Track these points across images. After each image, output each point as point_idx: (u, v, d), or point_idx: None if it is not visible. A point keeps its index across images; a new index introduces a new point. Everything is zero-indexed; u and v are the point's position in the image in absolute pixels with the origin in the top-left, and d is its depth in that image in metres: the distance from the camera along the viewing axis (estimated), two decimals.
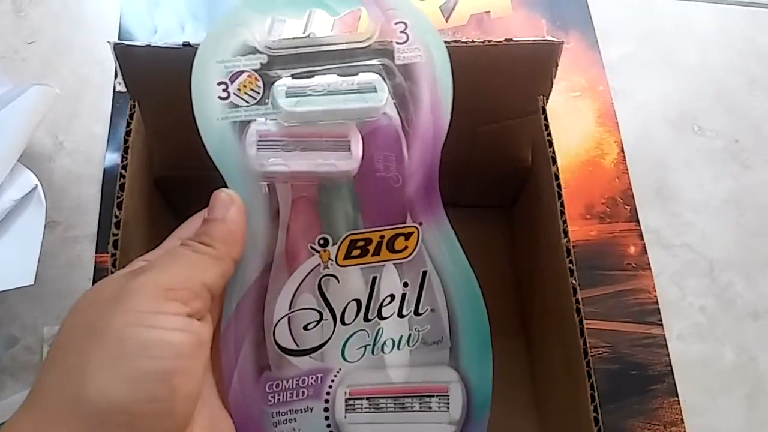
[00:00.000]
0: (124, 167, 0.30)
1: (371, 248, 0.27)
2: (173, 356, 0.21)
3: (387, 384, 0.28)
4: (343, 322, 0.27)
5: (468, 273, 0.28)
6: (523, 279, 0.44)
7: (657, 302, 0.46)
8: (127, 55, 0.31)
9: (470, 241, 0.46)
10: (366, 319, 0.28)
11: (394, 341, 0.28)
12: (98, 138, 0.50)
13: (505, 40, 0.33)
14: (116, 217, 0.29)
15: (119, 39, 0.53)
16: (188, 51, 0.30)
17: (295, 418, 0.27)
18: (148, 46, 0.31)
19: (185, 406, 0.22)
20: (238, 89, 0.26)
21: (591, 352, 0.30)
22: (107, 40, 0.31)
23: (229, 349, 0.26)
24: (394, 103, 0.28)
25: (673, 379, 0.44)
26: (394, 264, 0.28)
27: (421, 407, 0.28)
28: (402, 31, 0.28)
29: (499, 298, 0.44)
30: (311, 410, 0.27)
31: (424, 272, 0.28)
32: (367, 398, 0.27)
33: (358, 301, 0.28)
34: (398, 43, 0.28)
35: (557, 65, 0.34)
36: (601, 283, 0.46)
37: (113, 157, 0.49)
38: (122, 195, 0.30)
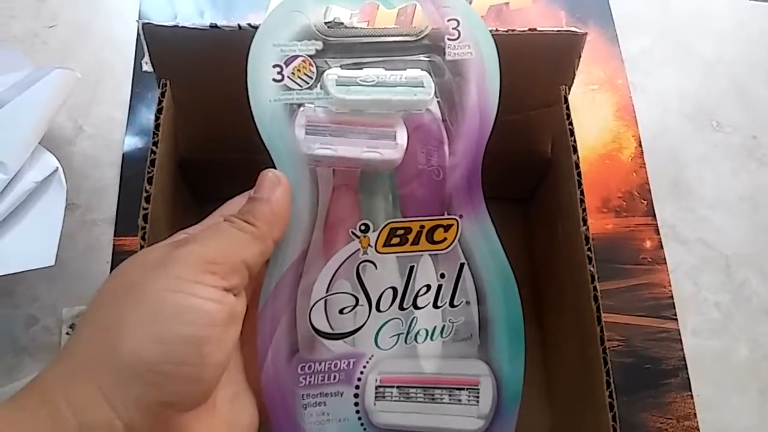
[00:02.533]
0: (155, 143, 0.31)
1: (411, 237, 0.27)
2: (206, 324, 0.22)
3: (418, 374, 0.28)
4: (378, 309, 0.28)
5: (506, 268, 0.28)
6: (538, 270, 0.44)
7: (672, 297, 0.46)
8: (155, 36, 0.31)
9: None
10: (401, 307, 0.28)
11: (427, 331, 0.28)
12: (117, 122, 0.50)
13: (529, 29, 0.33)
14: (146, 191, 0.30)
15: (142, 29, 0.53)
16: (215, 32, 0.31)
17: (324, 402, 0.27)
18: (176, 26, 0.31)
19: (212, 375, 0.22)
20: (292, 73, 0.27)
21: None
22: (135, 19, 0.31)
23: (265, 327, 0.27)
24: (438, 102, 0.28)
25: (687, 373, 0.44)
26: (431, 255, 0.28)
27: (450, 399, 0.28)
28: (454, 28, 0.28)
29: None
30: (341, 395, 0.27)
31: (462, 265, 0.28)
32: (398, 387, 0.28)
33: (395, 289, 0.28)
34: (450, 39, 0.28)
35: (580, 56, 0.34)
36: (616, 277, 0.46)
37: (132, 142, 0.49)
38: (152, 171, 0.30)
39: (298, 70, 0.27)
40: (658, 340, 0.44)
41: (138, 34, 0.53)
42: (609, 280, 0.46)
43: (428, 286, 0.28)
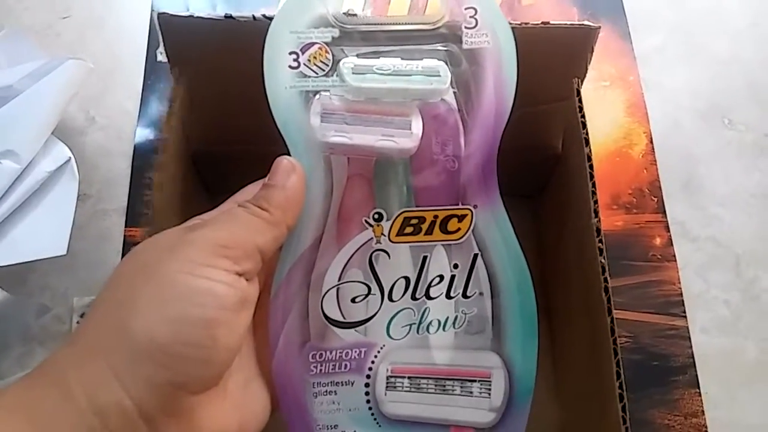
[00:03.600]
0: (161, 131, 0.31)
1: (424, 227, 0.27)
2: (217, 307, 0.22)
3: (430, 364, 0.28)
4: (390, 299, 0.28)
5: (520, 259, 0.28)
6: (547, 266, 0.44)
7: (681, 294, 0.46)
8: (170, 26, 0.32)
9: None
10: (413, 297, 0.28)
11: (440, 322, 0.28)
12: (129, 113, 0.50)
13: (542, 23, 0.33)
14: (150, 179, 0.30)
15: (151, 16, 0.54)
16: (230, 23, 0.31)
17: (335, 391, 0.27)
18: (191, 16, 0.31)
19: (223, 358, 0.22)
20: (309, 60, 0.27)
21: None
22: (150, 10, 0.32)
23: (277, 314, 0.27)
24: (454, 92, 0.28)
25: (695, 371, 0.43)
26: (444, 245, 0.28)
27: (462, 391, 0.28)
28: (471, 16, 0.28)
29: None
30: (352, 384, 0.28)
31: (475, 255, 0.28)
32: (409, 377, 0.28)
33: (407, 279, 0.28)
34: (467, 28, 0.28)
35: (593, 50, 0.34)
36: (625, 274, 0.46)
37: (144, 133, 0.49)
38: (159, 158, 0.30)
39: (315, 58, 0.27)
40: (666, 337, 0.44)
41: (151, 26, 0.53)
42: (618, 276, 0.46)
43: (441, 277, 0.28)
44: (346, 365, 0.28)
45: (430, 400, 0.28)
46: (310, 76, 0.27)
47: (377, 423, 0.28)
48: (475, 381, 0.28)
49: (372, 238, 0.27)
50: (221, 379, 0.23)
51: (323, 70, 0.27)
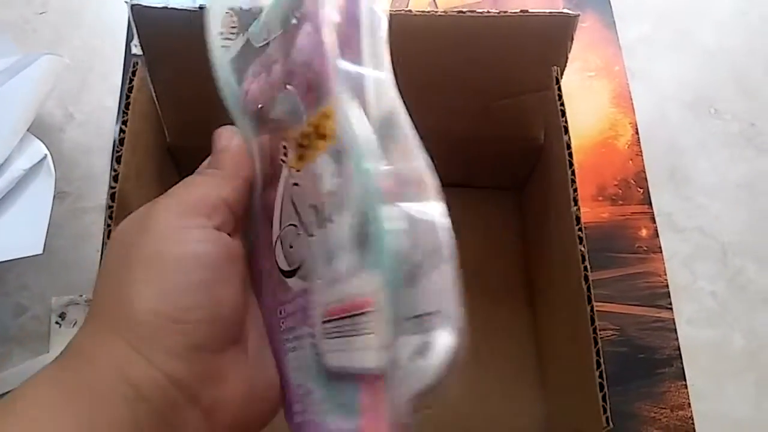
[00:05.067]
0: (124, 122, 0.30)
1: (308, 142, 0.23)
2: (204, 267, 0.22)
3: (340, 301, 0.22)
4: (309, 233, 0.23)
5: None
6: (531, 259, 0.43)
7: (667, 286, 0.45)
8: (144, 17, 0.31)
9: (481, 221, 0.46)
10: (321, 225, 0.22)
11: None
12: (108, 110, 0.49)
13: (521, 11, 0.32)
14: (115, 171, 0.29)
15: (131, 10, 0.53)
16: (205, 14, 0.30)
17: (295, 346, 0.24)
18: (165, 8, 0.31)
19: (230, 312, 0.23)
20: (225, 30, 0.26)
21: (599, 335, 0.29)
22: (125, 1, 0.31)
23: (255, 274, 0.26)
24: None
25: (682, 363, 0.43)
26: (330, 155, 0.22)
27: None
28: None
29: (507, 276, 0.44)
30: (305, 336, 0.24)
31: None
32: (336, 320, 0.22)
33: (315, 207, 0.23)
34: None
35: (572, 39, 0.34)
36: (611, 266, 0.46)
37: None
38: (121, 149, 0.30)
39: (228, 26, 0.26)
40: (652, 329, 0.44)
41: (129, 20, 0.52)
42: (604, 269, 0.46)
43: (332, 193, 0.22)
44: (298, 316, 0.24)
45: (347, 345, 0.21)
46: (230, 47, 0.26)
47: (327, 378, 0.23)
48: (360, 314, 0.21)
49: (288, 174, 0.24)
50: (240, 334, 0.24)
51: (234, 33, 0.26)
